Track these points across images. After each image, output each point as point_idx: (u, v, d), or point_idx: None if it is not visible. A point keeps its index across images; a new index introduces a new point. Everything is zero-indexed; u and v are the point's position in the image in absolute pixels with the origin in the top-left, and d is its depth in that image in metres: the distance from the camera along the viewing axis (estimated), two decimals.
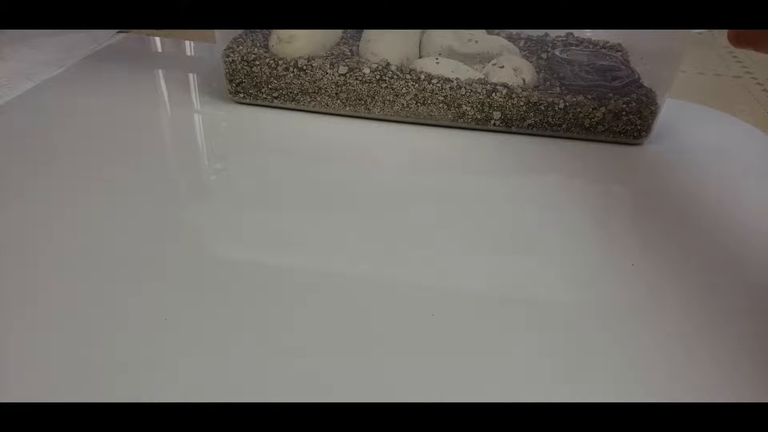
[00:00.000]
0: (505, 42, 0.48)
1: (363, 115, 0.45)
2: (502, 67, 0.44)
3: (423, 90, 0.43)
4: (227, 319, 0.28)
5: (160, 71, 0.53)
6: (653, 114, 0.43)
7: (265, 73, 0.44)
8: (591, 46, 0.51)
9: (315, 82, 0.44)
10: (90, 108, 0.45)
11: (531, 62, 0.47)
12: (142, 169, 0.38)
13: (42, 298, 0.28)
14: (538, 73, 0.46)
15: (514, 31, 0.52)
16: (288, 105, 0.46)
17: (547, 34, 0.52)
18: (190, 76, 0.52)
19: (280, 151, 0.42)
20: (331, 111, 0.45)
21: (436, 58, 0.44)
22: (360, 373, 0.25)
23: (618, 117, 0.43)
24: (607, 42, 0.51)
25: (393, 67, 0.43)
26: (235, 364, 0.25)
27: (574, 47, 0.50)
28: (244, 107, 0.47)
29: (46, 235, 0.32)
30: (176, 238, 0.32)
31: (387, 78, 0.43)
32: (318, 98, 0.45)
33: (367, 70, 0.43)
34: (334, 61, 0.44)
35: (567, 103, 0.43)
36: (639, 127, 0.43)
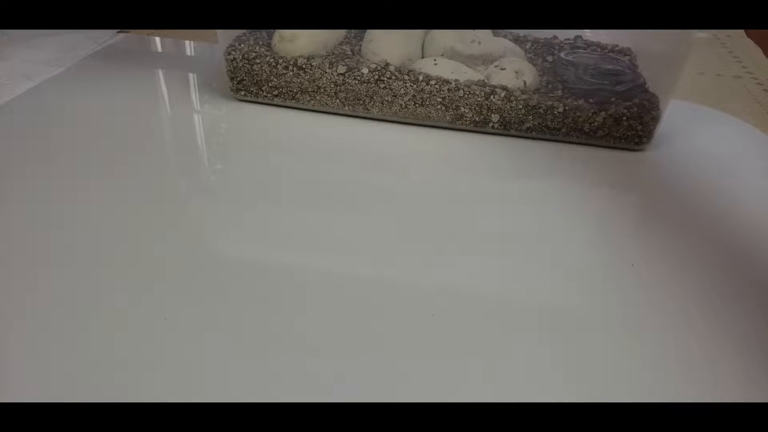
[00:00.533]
0: (510, 44, 0.48)
1: (362, 114, 0.45)
2: (504, 69, 0.44)
3: (421, 91, 0.43)
4: (227, 319, 0.27)
5: (160, 71, 0.53)
6: (655, 120, 0.43)
7: (265, 72, 0.44)
8: (599, 50, 0.50)
9: (314, 81, 0.44)
10: (90, 108, 0.45)
11: (536, 65, 0.46)
12: (142, 169, 0.38)
13: (42, 298, 0.28)
14: (541, 76, 0.46)
15: (521, 34, 0.52)
16: (288, 103, 0.46)
17: (555, 37, 0.51)
18: (190, 75, 0.52)
19: (280, 150, 0.42)
20: (331, 110, 0.45)
21: (435, 59, 0.44)
22: (359, 373, 0.25)
23: (618, 122, 0.42)
24: (617, 45, 0.51)
25: (392, 68, 0.43)
26: (235, 364, 0.25)
27: (581, 50, 0.49)
28: (245, 106, 0.47)
29: (46, 234, 0.32)
30: (176, 238, 0.32)
31: (385, 78, 0.43)
32: (317, 97, 0.45)
33: (365, 70, 0.43)
34: (333, 60, 0.44)
35: (567, 107, 0.42)
36: (640, 133, 0.43)
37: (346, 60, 0.44)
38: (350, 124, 0.45)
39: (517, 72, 0.44)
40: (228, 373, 0.25)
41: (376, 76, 0.43)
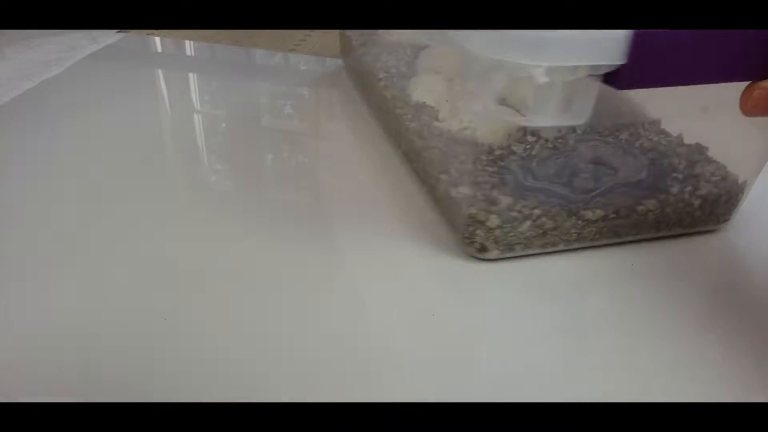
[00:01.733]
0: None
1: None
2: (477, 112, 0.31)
3: (382, 92, 0.41)
4: (227, 319, 0.27)
5: (160, 71, 0.53)
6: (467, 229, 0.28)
7: (345, 39, 0.50)
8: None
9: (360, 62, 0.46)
10: (90, 108, 0.45)
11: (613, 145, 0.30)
12: (142, 169, 0.38)
13: (42, 297, 0.28)
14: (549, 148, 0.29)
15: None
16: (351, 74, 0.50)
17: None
18: (190, 75, 0.52)
19: (274, 148, 0.42)
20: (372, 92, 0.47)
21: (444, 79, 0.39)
22: (359, 373, 0.25)
23: (449, 207, 0.29)
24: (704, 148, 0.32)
25: (390, 64, 0.42)
26: (234, 364, 0.25)
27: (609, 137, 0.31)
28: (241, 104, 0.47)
29: (46, 235, 0.32)
30: (176, 238, 0.32)
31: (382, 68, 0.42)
32: (362, 80, 0.46)
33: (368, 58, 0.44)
34: (378, 45, 0.45)
35: (427, 161, 0.31)
36: (466, 234, 0.29)
37: (385, 48, 0.44)
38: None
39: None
40: (228, 373, 0.25)
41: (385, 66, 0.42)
